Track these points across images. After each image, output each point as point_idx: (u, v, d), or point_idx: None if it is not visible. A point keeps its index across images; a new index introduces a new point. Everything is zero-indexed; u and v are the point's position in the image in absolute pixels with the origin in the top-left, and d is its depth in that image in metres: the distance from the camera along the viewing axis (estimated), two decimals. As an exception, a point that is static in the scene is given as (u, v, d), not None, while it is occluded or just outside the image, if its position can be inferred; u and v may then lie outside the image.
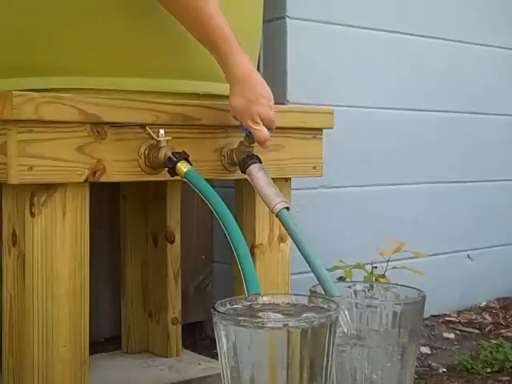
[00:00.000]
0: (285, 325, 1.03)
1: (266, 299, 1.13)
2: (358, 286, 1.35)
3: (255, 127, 1.32)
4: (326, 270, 1.25)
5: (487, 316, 2.38)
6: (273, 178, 1.35)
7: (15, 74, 1.36)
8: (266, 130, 1.32)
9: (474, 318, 2.36)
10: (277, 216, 1.29)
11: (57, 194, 1.23)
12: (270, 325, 1.03)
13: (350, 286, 1.35)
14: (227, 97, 1.34)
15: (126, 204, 1.79)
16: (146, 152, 1.31)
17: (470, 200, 2.48)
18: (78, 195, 1.26)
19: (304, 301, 1.14)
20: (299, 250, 1.27)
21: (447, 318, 2.34)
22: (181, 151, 1.30)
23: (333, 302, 1.11)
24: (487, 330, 2.24)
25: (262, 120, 1.32)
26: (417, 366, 1.85)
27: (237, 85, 1.32)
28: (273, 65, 2.01)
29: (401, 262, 1.95)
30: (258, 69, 1.92)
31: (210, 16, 1.29)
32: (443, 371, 1.88)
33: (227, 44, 1.30)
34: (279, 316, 1.07)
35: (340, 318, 1.13)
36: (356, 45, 2.15)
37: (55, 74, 1.34)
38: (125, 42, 1.33)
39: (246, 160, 1.35)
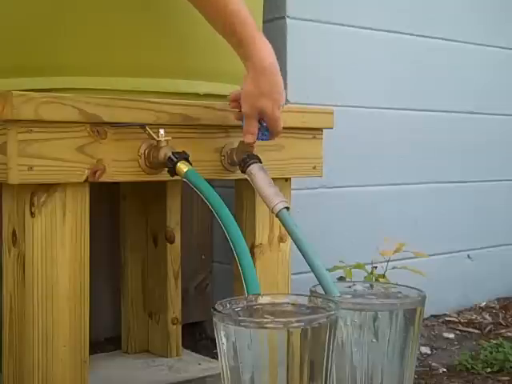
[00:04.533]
0: (285, 325, 1.03)
1: (265, 299, 1.13)
2: (358, 286, 1.35)
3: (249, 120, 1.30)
4: (326, 270, 1.25)
5: (487, 316, 2.37)
6: (273, 178, 1.34)
7: (15, 74, 1.36)
8: (256, 130, 1.31)
9: (474, 317, 2.36)
10: (277, 216, 1.29)
11: (57, 194, 1.23)
12: (269, 325, 1.03)
13: (349, 286, 1.35)
14: (227, 97, 1.34)
15: (126, 204, 1.79)
16: (146, 152, 1.31)
17: (469, 200, 2.48)
18: (77, 195, 1.26)
19: (304, 301, 1.14)
20: (299, 250, 1.26)
21: (447, 318, 2.34)
22: (181, 151, 1.30)
23: (333, 301, 1.11)
24: (487, 329, 2.24)
25: (265, 116, 1.30)
26: (417, 366, 1.85)
27: (254, 72, 1.27)
28: (273, 65, 2.01)
29: (401, 262, 1.95)
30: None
31: (227, 3, 1.25)
32: (443, 371, 1.88)
33: (246, 30, 1.26)
34: (279, 316, 1.08)
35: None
36: (356, 45, 2.15)
37: (55, 74, 1.34)
38: (125, 41, 1.33)
39: (246, 160, 1.35)
